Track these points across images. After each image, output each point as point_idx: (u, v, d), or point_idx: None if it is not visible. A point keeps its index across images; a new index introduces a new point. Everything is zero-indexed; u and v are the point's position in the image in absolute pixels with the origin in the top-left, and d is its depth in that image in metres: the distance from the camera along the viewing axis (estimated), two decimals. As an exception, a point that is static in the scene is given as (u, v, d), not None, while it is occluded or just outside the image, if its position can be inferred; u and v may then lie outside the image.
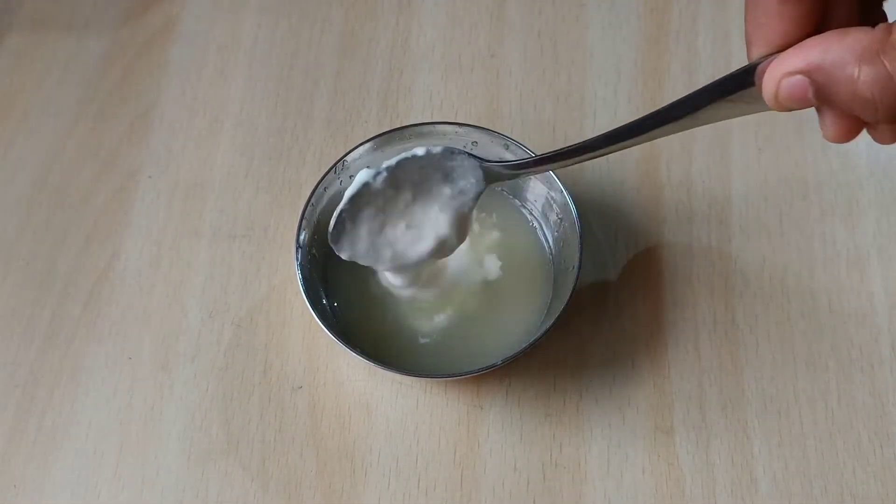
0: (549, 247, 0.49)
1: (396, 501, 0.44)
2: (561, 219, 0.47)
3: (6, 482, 0.46)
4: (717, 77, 0.34)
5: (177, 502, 0.45)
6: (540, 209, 0.49)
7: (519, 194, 0.50)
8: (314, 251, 0.47)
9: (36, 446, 0.46)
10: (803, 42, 0.31)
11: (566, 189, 0.46)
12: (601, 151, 0.38)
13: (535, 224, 0.50)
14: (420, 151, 0.42)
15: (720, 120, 0.34)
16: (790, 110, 0.32)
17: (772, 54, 0.32)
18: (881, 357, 0.47)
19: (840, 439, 0.45)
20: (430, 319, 0.47)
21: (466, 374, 0.44)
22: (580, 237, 0.45)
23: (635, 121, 0.36)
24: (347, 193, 0.42)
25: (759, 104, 0.33)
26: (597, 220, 0.51)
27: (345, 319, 0.47)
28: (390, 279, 0.46)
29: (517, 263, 0.48)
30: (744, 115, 0.34)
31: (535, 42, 0.57)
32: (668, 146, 0.53)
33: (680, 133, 0.54)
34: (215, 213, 0.52)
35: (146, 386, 0.48)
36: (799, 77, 0.31)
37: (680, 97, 0.34)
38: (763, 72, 0.32)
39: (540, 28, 0.58)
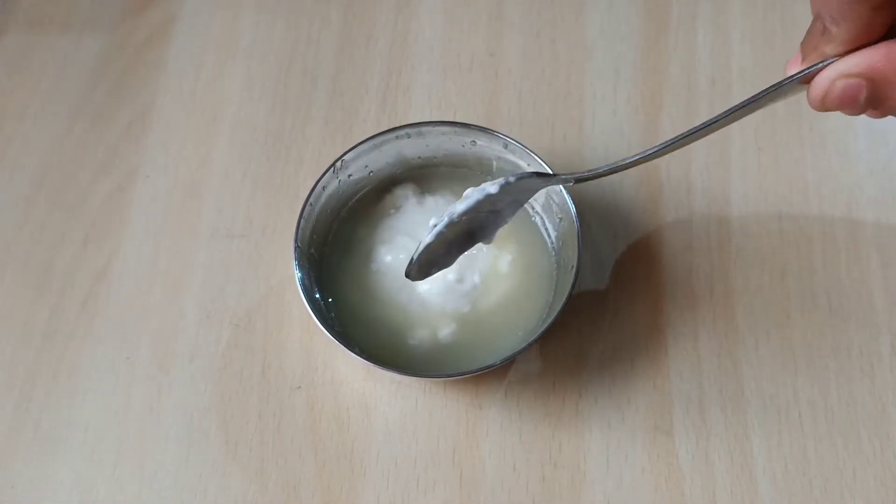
0: (552, 244, 0.49)
1: (395, 502, 0.44)
2: (560, 218, 0.47)
3: (4, 483, 0.45)
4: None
5: (175, 503, 0.45)
6: (541, 206, 0.49)
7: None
8: (312, 251, 0.47)
9: (33, 447, 0.46)
10: (864, 49, 0.31)
11: (565, 189, 0.45)
12: (674, 146, 0.39)
13: (538, 219, 0.49)
14: (493, 189, 0.41)
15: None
16: (829, 111, 0.32)
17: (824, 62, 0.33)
18: (881, 357, 0.47)
19: (840, 439, 0.45)
20: (429, 319, 0.47)
21: (465, 374, 0.44)
22: (579, 237, 0.44)
23: (700, 125, 0.38)
24: (425, 243, 0.42)
25: (792, 93, 0.35)
26: (596, 220, 0.51)
27: (343, 319, 0.47)
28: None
29: (521, 261, 0.48)
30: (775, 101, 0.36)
31: (535, 41, 0.57)
32: (667, 146, 0.53)
33: (679, 132, 0.54)
34: (213, 212, 0.52)
35: (144, 386, 0.47)
36: (856, 80, 0.31)
37: (744, 99, 0.36)
38: (813, 75, 0.33)
39: (539, 27, 0.58)
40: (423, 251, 0.42)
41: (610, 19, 0.58)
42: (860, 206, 0.51)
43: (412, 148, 0.49)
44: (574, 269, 0.44)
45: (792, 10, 0.57)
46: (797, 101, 0.54)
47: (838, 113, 0.51)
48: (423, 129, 0.48)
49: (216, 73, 0.57)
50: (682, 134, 0.38)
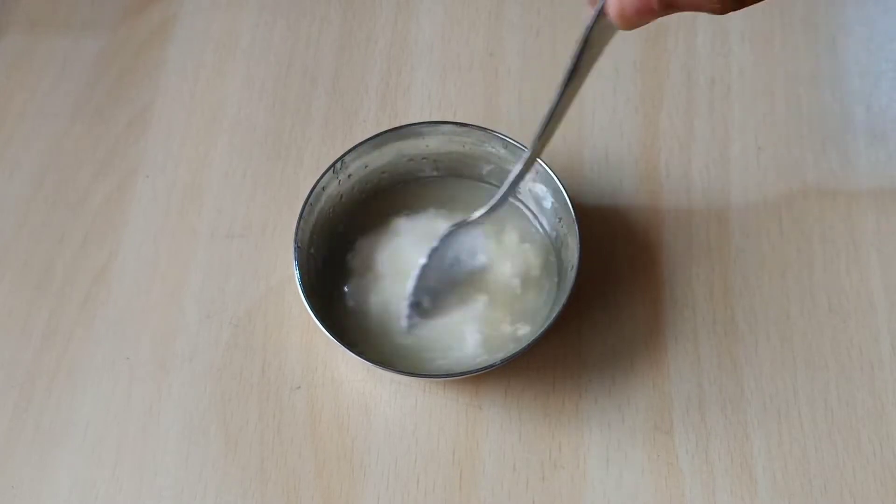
0: (552, 244, 0.49)
1: (395, 502, 0.44)
2: (560, 219, 0.47)
3: (4, 483, 0.45)
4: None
5: (175, 503, 0.45)
6: (541, 207, 0.49)
7: (515, 194, 0.49)
8: (312, 251, 0.47)
9: (33, 447, 0.46)
10: None
11: (565, 189, 0.45)
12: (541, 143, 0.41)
13: (538, 221, 0.49)
14: (423, 260, 0.45)
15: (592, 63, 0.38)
16: (635, 27, 0.34)
17: None
18: (881, 357, 0.47)
19: (840, 439, 0.45)
20: (430, 319, 0.47)
21: (465, 373, 0.44)
22: (579, 237, 0.44)
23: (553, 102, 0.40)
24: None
25: (611, 32, 0.35)
26: (596, 220, 0.51)
27: (343, 319, 0.47)
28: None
29: (522, 262, 0.48)
30: (602, 48, 0.37)
31: (534, 41, 0.57)
32: (666, 145, 0.53)
33: (679, 132, 0.54)
34: (213, 212, 0.52)
35: (144, 386, 0.47)
36: None
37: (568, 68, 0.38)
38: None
39: (539, 27, 0.58)
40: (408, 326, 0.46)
41: (610, 19, 0.58)
42: (860, 206, 0.51)
43: (412, 148, 0.49)
44: (574, 269, 0.44)
45: (791, 9, 0.57)
46: (797, 102, 0.54)
47: (838, 113, 0.52)
48: (423, 129, 0.48)
49: (216, 72, 0.57)
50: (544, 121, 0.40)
